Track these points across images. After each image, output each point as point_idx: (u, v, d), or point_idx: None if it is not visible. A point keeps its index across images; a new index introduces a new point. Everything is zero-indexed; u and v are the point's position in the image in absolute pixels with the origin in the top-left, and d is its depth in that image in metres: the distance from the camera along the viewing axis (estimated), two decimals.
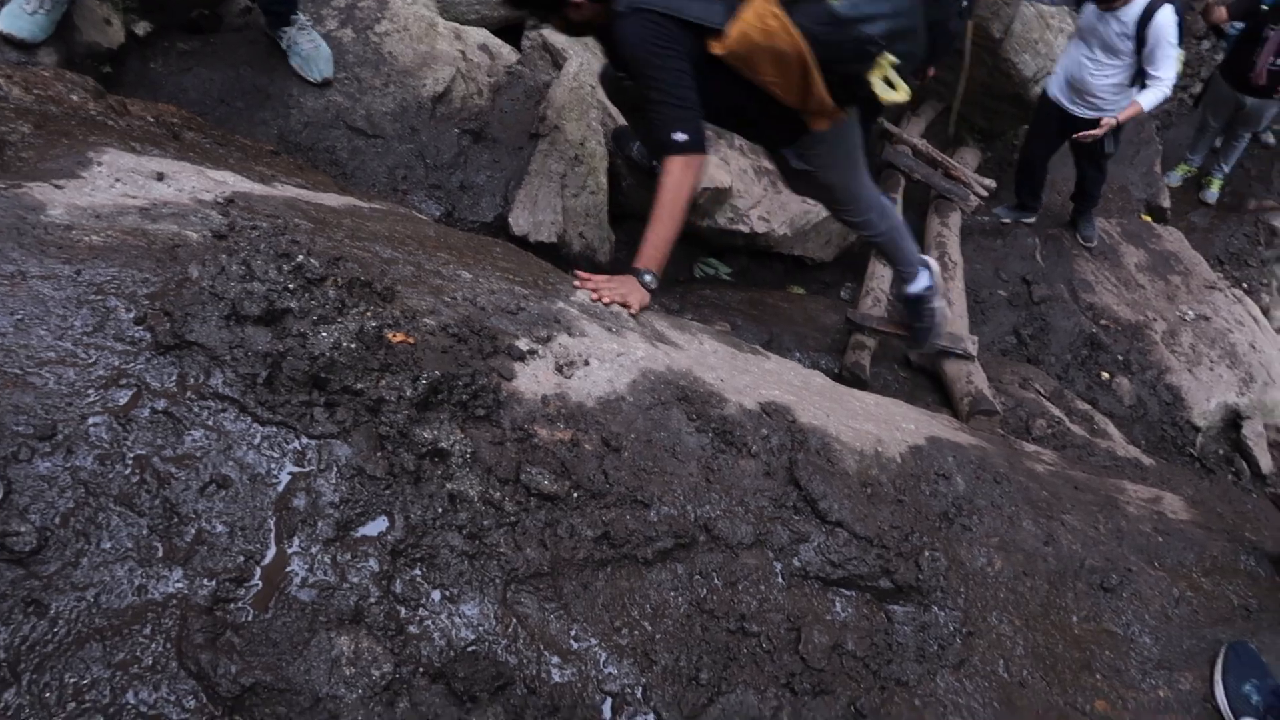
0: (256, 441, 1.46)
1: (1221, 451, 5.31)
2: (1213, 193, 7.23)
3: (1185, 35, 8.18)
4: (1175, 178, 7.20)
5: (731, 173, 4.35)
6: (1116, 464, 3.58)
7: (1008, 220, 5.87)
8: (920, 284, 3.55)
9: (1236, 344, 5.55)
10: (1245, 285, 7.07)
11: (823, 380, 2.61)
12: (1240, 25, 5.96)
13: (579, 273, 2.42)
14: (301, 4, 3.36)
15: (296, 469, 1.47)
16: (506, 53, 3.94)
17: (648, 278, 2.46)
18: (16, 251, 1.54)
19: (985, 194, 5.64)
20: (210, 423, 1.44)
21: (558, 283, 2.37)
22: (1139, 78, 4.73)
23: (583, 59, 3.91)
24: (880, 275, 4.56)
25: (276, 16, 3.23)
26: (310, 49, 3.26)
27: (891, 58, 2.53)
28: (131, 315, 1.52)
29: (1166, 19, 4.50)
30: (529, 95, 3.74)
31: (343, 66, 3.37)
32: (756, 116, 2.80)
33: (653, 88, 2.50)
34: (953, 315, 4.34)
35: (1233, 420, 5.30)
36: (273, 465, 1.45)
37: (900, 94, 2.59)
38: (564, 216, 3.44)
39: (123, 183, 1.94)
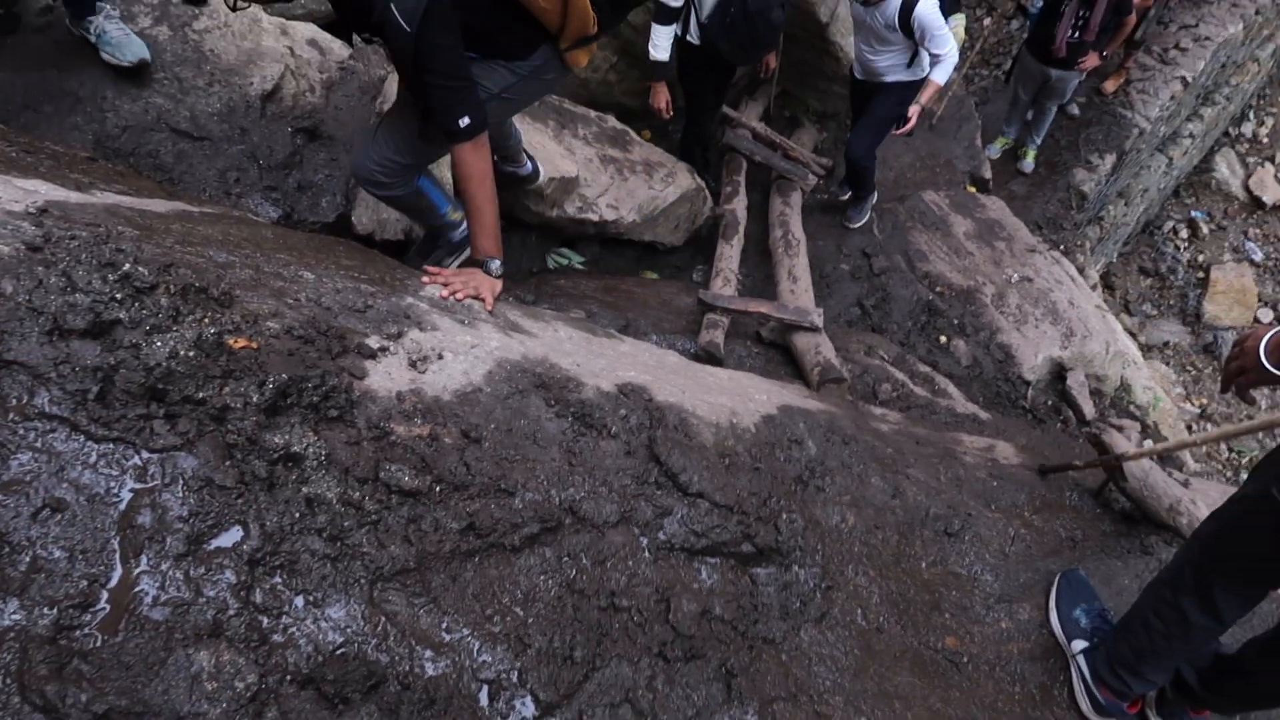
0: (92, 460, 1.39)
1: (1050, 402, 5.72)
2: (1028, 162, 7.77)
3: (994, 15, 8.75)
4: (995, 150, 7.68)
5: (577, 161, 4.37)
6: (956, 420, 3.82)
7: (845, 196, 6.12)
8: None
9: (1057, 302, 5.97)
10: (1062, 247, 7.61)
11: (677, 359, 2.67)
12: (1040, 2, 6.41)
13: (428, 268, 2.39)
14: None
15: (139, 485, 1.41)
16: (338, 48, 3.83)
17: (493, 265, 2.45)
18: None
19: (823, 172, 5.86)
20: (39, 444, 1.36)
21: (405, 279, 2.34)
22: (917, 55, 4.87)
23: None
24: (729, 256, 4.69)
25: (80, 6, 3.02)
26: (120, 35, 3.07)
27: None
28: None
29: (925, 9, 4.54)
30: (365, 90, 3.65)
31: (161, 66, 3.20)
32: (490, 30, 2.52)
33: (429, 71, 2.33)
34: (799, 290, 4.51)
35: (1058, 372, 5.70)
36: (112, 483, 1.39)
37: None
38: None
39: None
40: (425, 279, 2.34)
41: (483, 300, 2.34)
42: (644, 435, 2.05)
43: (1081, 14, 6.07)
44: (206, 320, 1.64)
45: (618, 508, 1.87)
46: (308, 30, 3.79)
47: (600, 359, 2.31)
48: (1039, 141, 7.66)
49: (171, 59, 3.24)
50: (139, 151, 3.04)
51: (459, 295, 2.29)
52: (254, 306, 1.76)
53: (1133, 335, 8.11)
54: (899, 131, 5.04)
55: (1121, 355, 5.73)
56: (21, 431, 1.36)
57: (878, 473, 2.38)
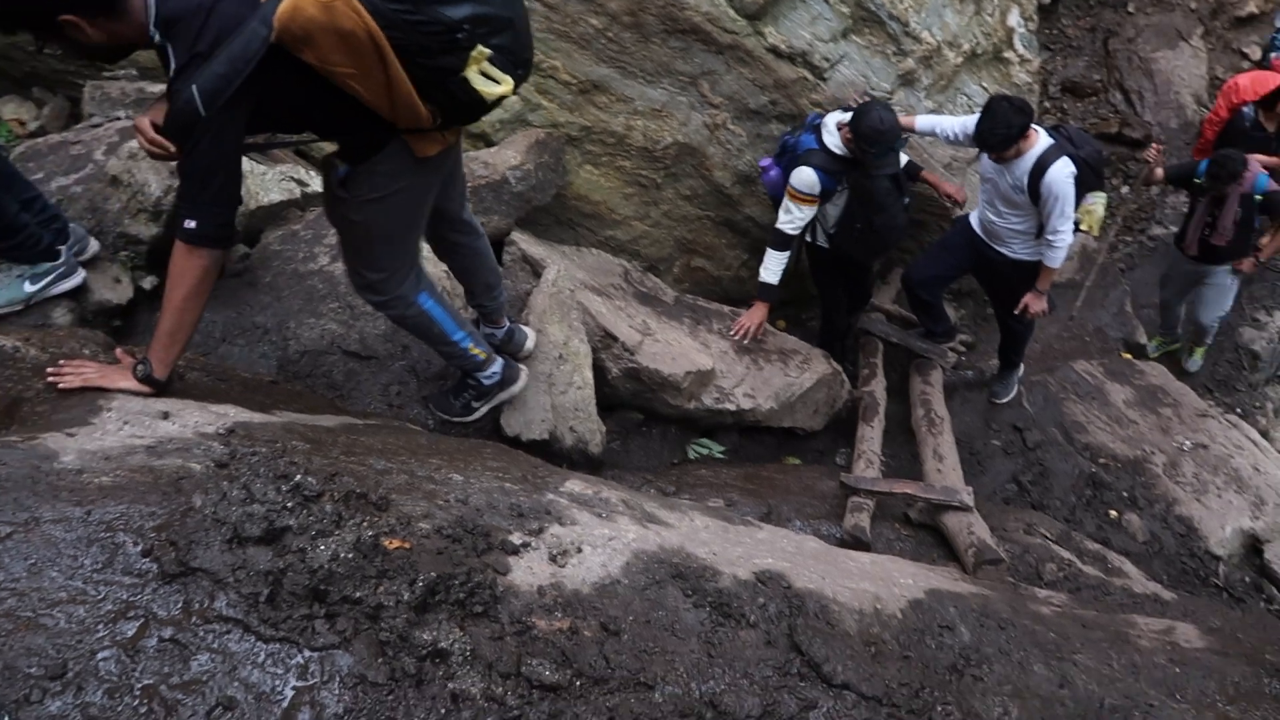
0: (260, 660, 1.50)
1: (1248, 579, 5.21)
2: (1196, 360, 7.06)
3: (1132, 182, 8.66)
4: (1153, 348, 7.11)
5: (712, 355, 4.53)
6: (1134, 601, 3.55)
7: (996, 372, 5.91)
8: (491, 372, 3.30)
9: (1240, 468, 5.54)
10: (1239, 410, 7.09)
11: (816, 544, 2.64)
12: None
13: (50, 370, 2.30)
14: (296, 240, 3.64)
15: (300, 683, 1.50)
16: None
17: (142, 368, 2.31)
18: (31, 499, 1.63)
19: (963, 349, 5.81)
20: (215, 645, 1.49)
21: (547, 476, 2.45)
22: (1043, 228, 4.58)
23: (560, 266, 4.17)
24: (870, 438, 4.65)
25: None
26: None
27: (485, 49, 2.25)
28: (139, 548, 1.60)
29: (1058, 175, 4.30)
30: (513, 304, 3.95)
31: (336, 297, 3.59)
32: (335, 122, 2.46)
33: (193, 159, 2.19)
34: (946, 469, 4.39)
35: (1253, 545, 5.23)
36: (277, 682, 1.49)
37: (504, 87, 2.33)
38: (554, 413, 3.56)
39: (131, 424, 2.07)
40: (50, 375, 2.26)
41: (100, 382, 2.25)
42: (784, 624, 2.02)
43: (1212, 213, 5.72)
44: (365, 524, 1.78)
45: (760, 701, 1.83)
46: None
47: (737, 547, 2.32)
48: (1209, 342, 6.98)
49: (345, 289, 3.63)
50: (315, 373, 3.37)
51: (67, 382, 2.22)
52: (408, 509, 1.90)
53: None
54: (1018, 311, 4.92)
55: None
56: (202, 633, 1.49)
57: (1040, 659, 2.23)
